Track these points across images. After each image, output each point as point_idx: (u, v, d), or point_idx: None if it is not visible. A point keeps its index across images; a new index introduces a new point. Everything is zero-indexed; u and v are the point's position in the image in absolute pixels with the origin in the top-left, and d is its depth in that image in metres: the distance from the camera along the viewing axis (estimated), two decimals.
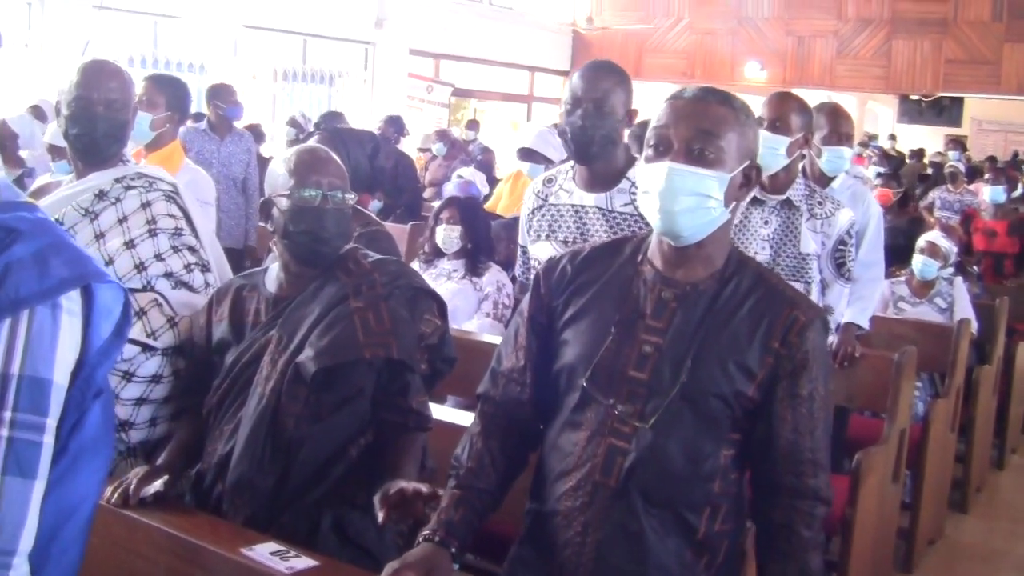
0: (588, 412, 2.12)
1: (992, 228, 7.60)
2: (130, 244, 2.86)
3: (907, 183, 10.38)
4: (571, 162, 3.23)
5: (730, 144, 2.03)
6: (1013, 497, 6.60)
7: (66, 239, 1.51)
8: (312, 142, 3.53)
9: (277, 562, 2.15)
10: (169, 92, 4.51)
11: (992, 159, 14.31)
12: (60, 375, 1.45)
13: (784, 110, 3.83)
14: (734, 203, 2.09)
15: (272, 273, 2.72)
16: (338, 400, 2.55)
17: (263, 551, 2.20)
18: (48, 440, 1.45)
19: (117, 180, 2.95)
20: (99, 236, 2.88)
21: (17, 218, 1.47)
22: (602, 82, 3.06)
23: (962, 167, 12.17)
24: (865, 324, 4.64)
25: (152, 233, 2.90)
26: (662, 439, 2.05)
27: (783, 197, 3.83)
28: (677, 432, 2.05)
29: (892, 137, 20.36)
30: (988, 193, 7.72)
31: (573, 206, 3.14)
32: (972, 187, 11.29)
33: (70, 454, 1.50)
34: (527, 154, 6.74)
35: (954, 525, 5.83)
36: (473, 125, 13.76)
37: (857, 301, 4.53)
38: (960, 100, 15.01)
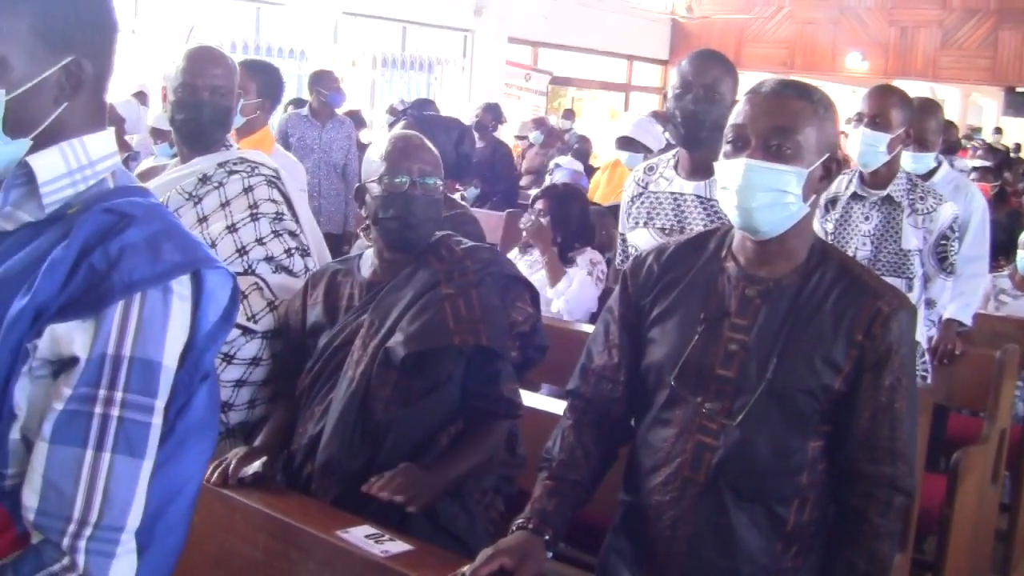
0: (676, 410, 2.14)
1: None
2: (232, 228, 2.91)
3: (1012, 177, 10.11)
4: (673, 151, 3.22)
5: (808, 139, 2.03)
6: None
7: (178, 225, 1.54)
8: (398, 129, 3.57)
9: (372, 545, 2.17)
10: (261, 78, 4.55)
11: None
12: (169, 358, 1.48)
13: (885, 105, 3.77)
14: (814, 196, 2.09)
15: (367, 258, 2.76)
16: (427, 386, 2.57)
17: (358, 534, 2.22)
18: (157, 421, 1.47)
19: (220, 165, 3.00)
20: (202, 220, 2.93)
21: (131, 203, 1.50)
22: (712, 69, 3.08)
23: None
24: (968, 321, 4.55)
25: (254, 217, 2.94)
26: (750, 435, 2.06)
27: (884, 193, 3.78)
28: (764, 428, 2.06)
29: (998, 131, 19.88)
30: None
31: (672, 194, 3.14)
32: None
33: (177, 436, 1.53)
34: (626, 143, 6.74)
35: None
36: (569, 115, 13.75)
37: (959, 296, 4.45)
38: None
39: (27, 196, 1.50)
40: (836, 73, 15.99)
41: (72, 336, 1.42)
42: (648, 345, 2.20)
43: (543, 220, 4.75)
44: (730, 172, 2.06)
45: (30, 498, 1.42)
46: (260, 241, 2.93)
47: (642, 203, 3.19)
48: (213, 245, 2.87)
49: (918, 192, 3.79)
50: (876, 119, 3.75)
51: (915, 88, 17.68)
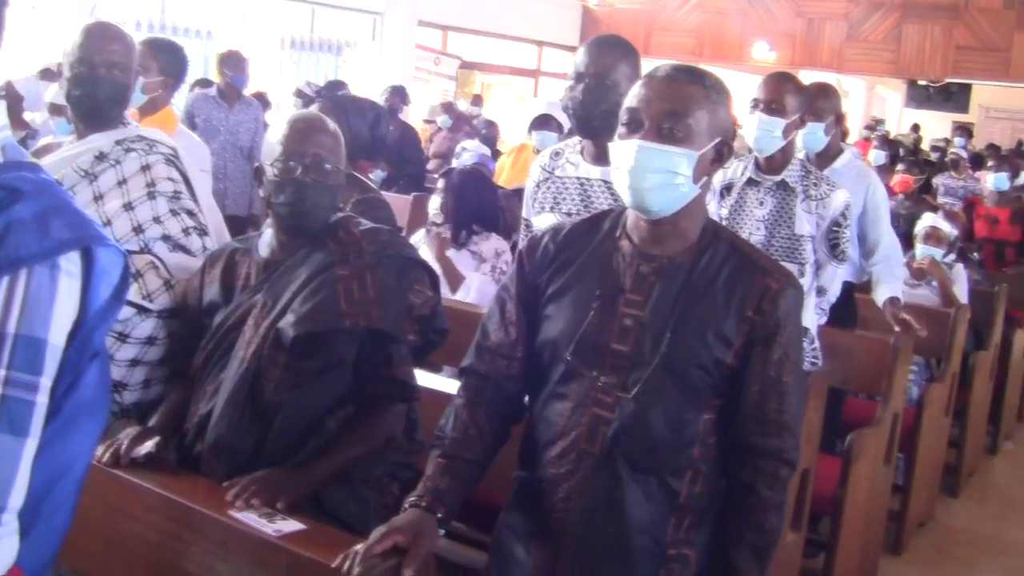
0: (572, 384, 2.18)
1: (995, 215, 7.60)
2: (128, 206, 2.88)
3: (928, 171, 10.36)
4: (578, 137, 3.23)
5: (700, 122, 2.09)
6: (1004, 483, 6.63)
7: (68, 201, 1.51)
8: (312, 110, 3.55)
9: (265, 524, 2.18)
10: (163, 56, 4.48)
11: (993, 147, 14.30)
12: (56, 336, 1.45)
13: (780, 91, 3.84)
14: (705, 178, 2.15)
15: (266, 238, 2.74)
16: (318, 368, 2.57)
17: (251, 513, 2.23)
18: (42, 400, 1.44)
19: (117, 142, 2.97)
20: (98, 198, 2.90)
21: (19, 178, 1.47)
22: (605, 56, 3.06)
23: (965, 154, 12.17)
24: (902, 298, 4.62)
25: (151, 196, 2.91)
26: (644, 408, 2.11)
27: (779, 178, 3.84)
28: (659, 401, 2.12)
29: (915, 128, 20.29)
30: (992, 180, 7.73)
31: (579, 179, 3.14)
32: (976, 175, 11.31)
33: (64, 415, 1.49)
34: (541, 123, 6.79)
35: (944, 509, 5.87)
36: (477, 100, 13.78)
37: (891, 279, 4.56)
38: (968, 87, 14.95)
39: None
40: (744, 63, 16.20)
41: None
42: (544, 322, 2.24)
43: (440, 230, 4.77)
44: (623, 153, 2.11)
45: None
46: (157, 220, 2.90)
47: (548, 188, 3.19)
48: (108, 223, 2.83)
49: (812, 178, 3.86)
50: (772, 105, 3.81)
51: (821, 79, 17.98)
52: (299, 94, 10.18)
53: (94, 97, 2.95)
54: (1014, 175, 7.87)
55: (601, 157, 3.13)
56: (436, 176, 7.78)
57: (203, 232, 3.00)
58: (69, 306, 1.46)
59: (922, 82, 18.18)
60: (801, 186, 3.83)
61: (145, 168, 2.95)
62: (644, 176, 2.08)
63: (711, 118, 2.11)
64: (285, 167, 2.59)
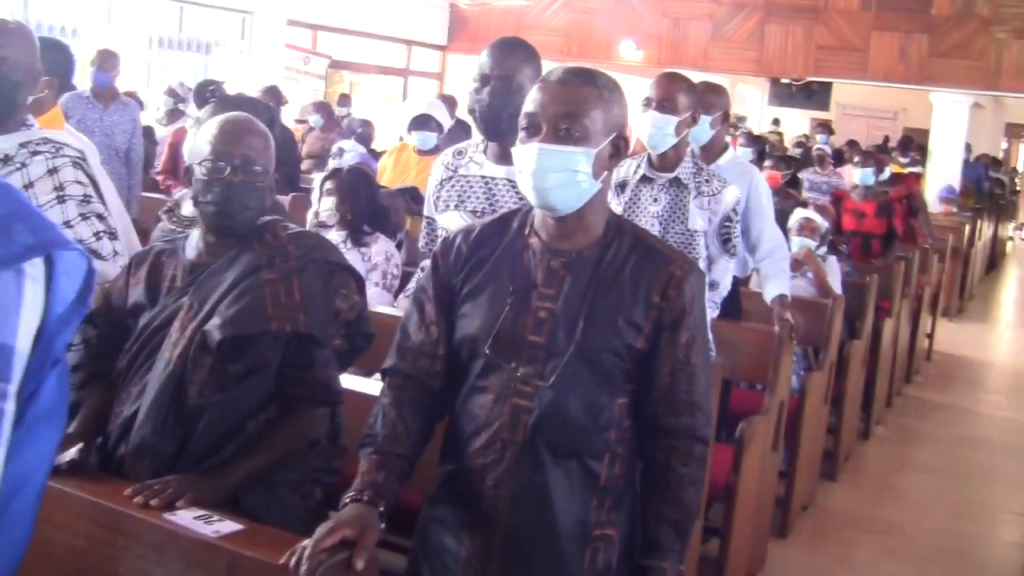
0: (492, 377, 2.28)
1: (861, 209, 7.88)
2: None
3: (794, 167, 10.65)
4: (480, 137, 3.28)
5: (595, 121, 2.21)
6: (877, 467, 6.92)
7: (28, 204, 1.46)
8: (207, 111, 3.53)
9: (202, 526, 2.17)
10: (49, 56, 4.37)
11: (852, 143, 14.79)
12: (23, 342, 1.41)
13: (672, 90, 3.97)
14: (605, 173, 2.27)
15: (192, 240, 2.74)
16: (243, 371, 2.58)
17: (186, 516, 2.22)
18: (10, 407, 1.41)
19: (22, 145, 2.91)
20: None
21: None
22: (508, 59, 3.13)
23: (829, 150, 12.57)
24: (788, 293, 4.76)
25: (60, 200, 2.87)
26: (562, 395, 2.22)
27: (672, 175, 3.96)
28: (575, 388, 2.22)
29: (776, 123, 20.85)
30: (858, 175, 8.00)
31: (483, 177, 3.19)
32: (838, 170, 11.70)
33: (25, 423, 1.45)
34: (421, 123, 6.82)
35: (824, 493, 6.10)
36: (345, 100, 13.71)
37: (779, 275, 4.68)
38: (828, 85, 15.40)
39: None
40: (611, 61, 16.39)
41: None
42: (460, 320, 2.33)
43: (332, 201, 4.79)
44: (525, 156, 2.23)
45: None
46: (68, 224, 2.86)
47: (452, 186, 3.23)
48: None
49: (704, 175, 3.99)
50: (664, 103, 3.93)
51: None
52: (171, 93, 10.02)
53: None
54: (879, 171, 8.16)
55: (505, 157, 3.19)
56: (312, 176, 7.76)
57: (113, 236, 2.96)
58: (34, 312, 1.43)
59: (784, 80, 18.68)
60: (694, 183, 3.95)
61: (52, 172, 2.90)
62: (547, 176, 2.19)
63: (605, 116, 2.23)
64: (214, 167, 2.60)
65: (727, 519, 4.33)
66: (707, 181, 3.96)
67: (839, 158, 13.34)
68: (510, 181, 3.15)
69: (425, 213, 3.40)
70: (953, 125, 14.88)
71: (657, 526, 2.26)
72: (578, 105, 2.20)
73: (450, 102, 8.81)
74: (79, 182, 2.93)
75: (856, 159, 8.10)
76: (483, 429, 2.27)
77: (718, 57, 15.38)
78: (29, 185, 2.87)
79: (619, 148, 2.28)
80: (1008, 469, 7.21)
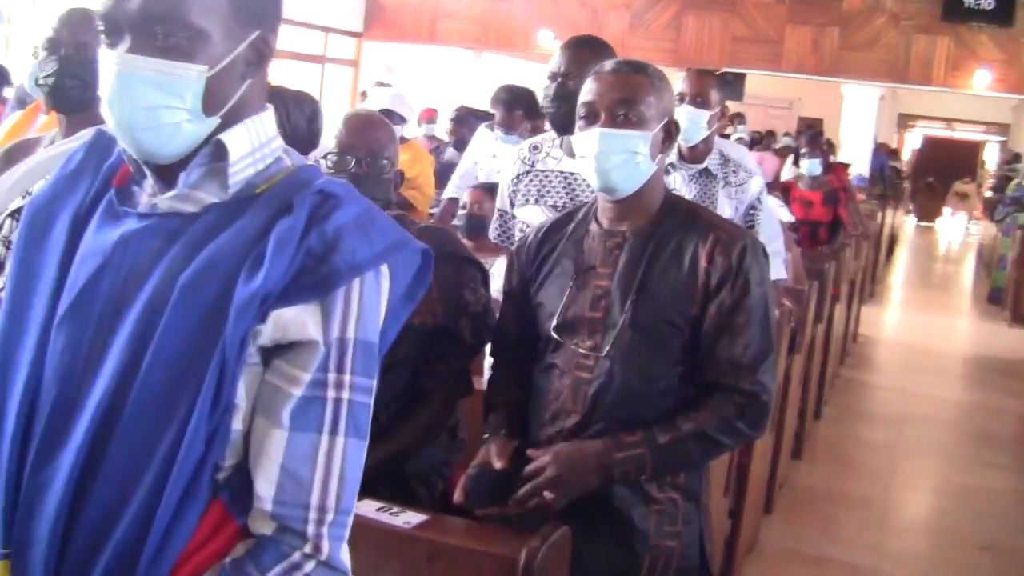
0: (559, 355, 2.46)
1: (809, 198, 8.15)
2: None
3: None
4: (552, 133, 3.38)
5: (649, 107, 2.39)
6: (834, 444, 7.20)
7: (372, 204, 1.51)
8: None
9: (389, 517, 2.20)
10: None
11: (771, 133, 15.20)
12: (379, 337, 1.48)
13: (704, 86, 4.14)
14: (660, 156, 2.44)
15: None
16: (385, 366, 2.62)
17: (368, 507, 2.20)
18: (371, 402, 1.47)
19: None
20: None
21: (331, 182, 1.48)
22: (579, 56, 3.21)
23: (748, 139, 12.91)
24: (785, 275, 4.95)
25: None
26: (618, 366, 2.37)
27: (702, 166, 4.14)
28: (631, 358, 2.36)
29: None
30: (806, 166, 8.27)
31: (562, 172, 3.29)
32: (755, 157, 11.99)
33: None
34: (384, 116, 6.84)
35: (794, 471, 6.35)
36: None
37: (773, 256, 4.85)
38: (743, 76, 15.74)
39: (208, 176, 1.46)
40: (529, 50, 16.55)
41: (304, 320, 1.39)
42: (537, 308, 2.53)
43: None
44: (586, 142, 2.39)
45: (265, 488, 1.39)
46: None
47: (531, 181, 3.32)
48: None
49: (731, 167, 4.17)
50: (697, 98, 4.11)
51: None
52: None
53: (59, 79, 2.80)
54: (825, 161, 8.43)
55: None
56: None
57: None
58: (383, 308, 1.49)
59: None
60: (721, 173, 4.13)
61: None
62: (609, 158, 2.36)
63: (658, 102, 2.41)
64: (340, 160, 2.65)
65: (739, 498, 4.52)
66: (734, 172, 4.15)
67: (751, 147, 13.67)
68: None
69: (498, 206, 3.48)
70: (862, 116, 15.39)
71: (681, 421, 2.32)
72: (633, 92, 2.38)
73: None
74: None
75: (803, 150, 8.36)
76: (550, 404, 2.45)
77: (635, 48, 15.59)
78: None
79: (670, 132, 2.46)
80: (950, 444, 7.59)
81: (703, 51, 15.16)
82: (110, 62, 1.41)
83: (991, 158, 27.26)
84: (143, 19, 1.38)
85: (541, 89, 3.31)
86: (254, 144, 1.49)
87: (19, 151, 3.00)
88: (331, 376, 1.41)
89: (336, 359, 1.41)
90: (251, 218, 1.43)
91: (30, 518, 1.42)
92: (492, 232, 3.57)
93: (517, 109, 6.60)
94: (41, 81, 2.83)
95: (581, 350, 2.40)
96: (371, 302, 1.44)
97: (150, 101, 1.40)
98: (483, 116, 8.74)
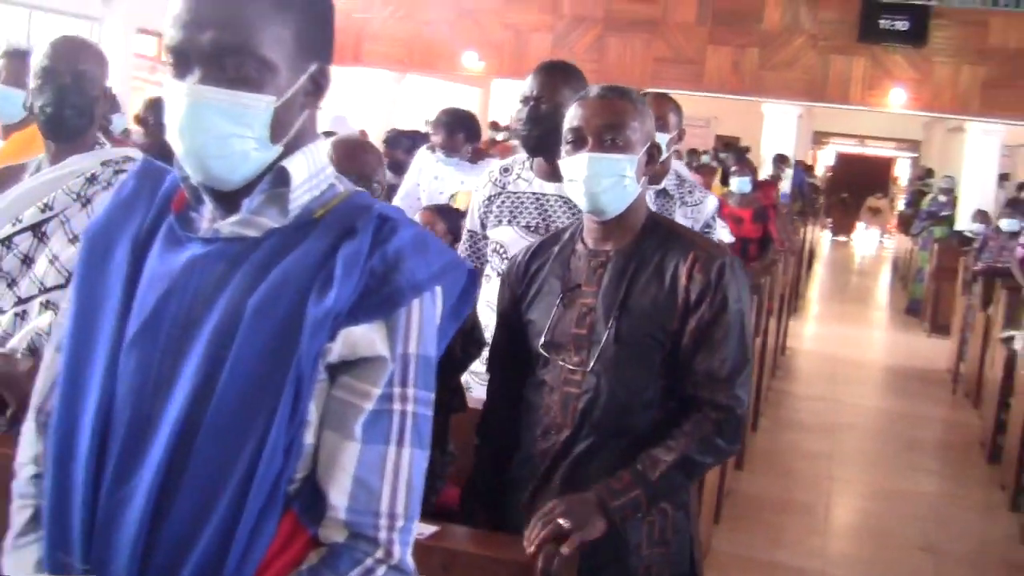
0: (548, 371, 2.56)
1: (739, 215, 8.38)
2: None
3: None
4: (525, 154, 3.49)
5: (634, 131, 2.48)
6: (773, 454, 7.39)
7: (424, 228, 1.59)
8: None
9: None
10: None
11: (693, 151, 15.48)
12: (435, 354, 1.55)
13: (664, 110, 4.27)
14: (644, 178, 2.55)
15: None
16: None
17: None
18: (431, 413, 1.53)
19: (104, 163, 2.95)
20: None
21: (386, 206, 1.55)
22: (551, 81, 3.34)
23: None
24: None
25: None
26: (604, 380, 2.47)
27: (660, 186, 4.27)
28: (616, 372, 2.47)
29: None
30: (735, 184, 8.51)
31: (534, 194, 3.40)
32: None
33: None
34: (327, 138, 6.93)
35: (736, 480, 6.51)
36: None
37: None
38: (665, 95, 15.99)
39: (269, 202, 1.52)
40: (454, 72, 16.71)
41: (372, 338, 1.46)
42: (527, 326, 2.63)
43: None
44: (575, 166, 2.49)
45: (339, 498, 1.46)
46: None
47: (503, 202, 3.42)
48: None
49: (686, 187, 4.33)
50: (657, 121, 4.23)
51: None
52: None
53: (58, 108, 2.85)
54: (754, 179, 8.68)
55: (553, 174, 3.41)
56: None
57: None
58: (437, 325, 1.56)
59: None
60: (678, 193, 4.27)
61: None
62: (598, 182, 2.46)
63: (641, 127, 2.51)
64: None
65: (697, 506, 4.64)
66: (689, 192, 4.30)
67: None
68: (561, 197, 3.37)
69: (468, 227, 3.57)
70: (782, 134, 15.76)
71: (664, 452, 2.38)
72: (619, 117, 2.48)
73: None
74: None
75: (733, 168, 8.59)
76: (541, 419, 2.55)
77: None
78: None
79: (652, 155, 2.56)
80: (880, 451, 7.86)
81: (626, 72, 15.39)
82: (180, 93, 1.46)
83: (903, 174, 27.95)
84: (215, 52, 1.44)
85: (514, 112, 3.42)
86: (311, 171, 1.55)
87: (4, 177, 3.04)
88: (396, 390, 1.48)
89: (400, 374, 1.48)
90: (315, 241, 1.50)
91: (110, 534, 1.48)
92: (462, 252, 3.66)
93: (459, 132, 6.70)
94: (38, 109, 2.87)
95: (568, 366, 2.50)
96: (429, 319, 1.51)
97: (221, 130, 1.46)
98: (414, 137, 8.85)
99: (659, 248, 2.50)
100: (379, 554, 1.48)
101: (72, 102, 2.85)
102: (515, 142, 14.24)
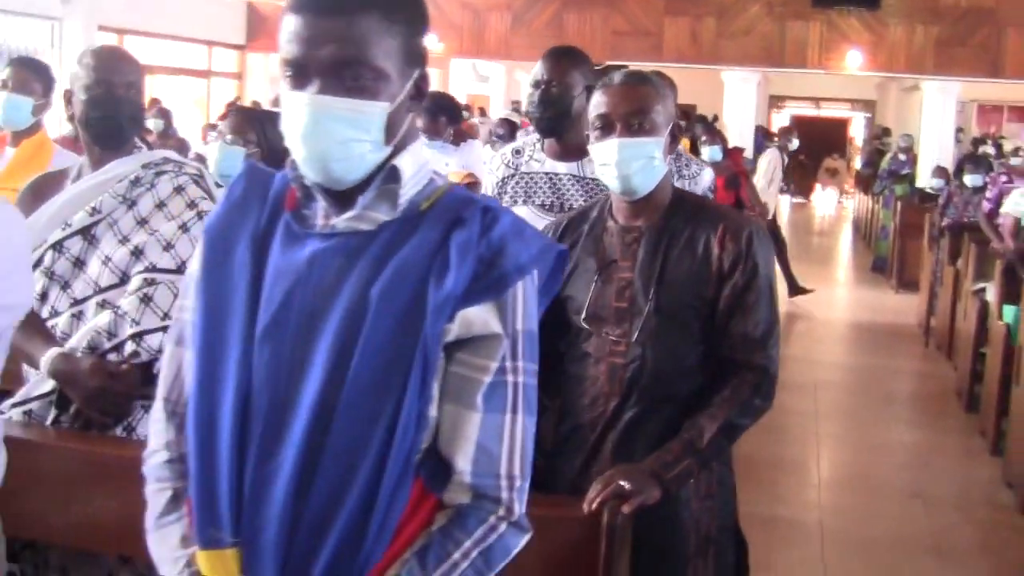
0: (591, 344, 2.68)
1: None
2: (184, 228, 2.98)
3: None
4: (536, 135, 3.65)
5: (658, 114, 2.62)
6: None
7: (517, 215, 1.74)
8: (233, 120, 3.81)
9: None
10: (44, 76, 4.46)
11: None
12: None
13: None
14: (670, 157, 2.70)
15: None
16: None
17: None
18: (536, 383, 1.70)
19: (144, 166, 3.02)
20: (141, 222, 2.93)
21: (488, 198, 1.72)
22: (559, 65, 3.51)
23: None
24: None
25: (200, 216, 3.05)
26: (648, 349, 2.61)
27: None
28: (658, 341, 2.61)
29: None
30: (707, 152, 8.71)
31: (547, 174, 3.55)
32: None
33: None
34: None
35: None
36: (154, 103, 13.50)
37: None
38: (624, 67, 16.14)
39: (379, 198, 1.66)
40: None
41: (486, 318, 1.62)
42: (565, 302, 2.73)
43: None
44: (606, 151, 2.61)
45: (463, 463, 1.62)
46: None
47: (517, 183, 3.58)
48: (171, 246, 2.92)
49: (683, 160, 4.50)
50: None
51: (489, 68, 18.84)
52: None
53: (115, 119, 2.98)
54: (724, 146, 8.88)
55: (566, 153, 3.58)
56: None
57: None
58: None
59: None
60: (675, 167, 4.44)
61: (179, 189, 3.04)
62: (629, 164, 2.59)
63: (664, 109, 2.65)
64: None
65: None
66: (687, 165, 4.48)
67: None
68: (573, 176, 3.54)
69: None
70: (743, 101, 16.00)
71: (708, 420, 2.51)
72: (644, 102, 2.61)
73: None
74: (205, 198, 3.11)
75: (703, 137, 8.79)
76: (588, 389, 2.68)
77: (519, 46, 15.95)
78: (161, 204, 3.00)
79: (675, 135, 2.72)
80: (861, 405, 8.13)
81: (585, 46, 14.94)
82: (301, 103, 1.61)
83: (858, 134, 28.30)
84: (334, 65, 1.59)
85: (526, 96, 3.58)
86: (416, 167, 1.70)
87: (46, 185, 3.15)
88: (508, 363, 1.64)
89: (511, 348, 1.65)
90: (427, 232, 1.64)
91: (258, 509, 1.63)
92: None
93: (440, 115, 6.84)
94: (90, 119, 2.98)
95: (612, 337, 2.64)
96: (531, 296, 1.68)
97: (343, 136, 1.61)
98: None
99: (688, 222, 2.65)
100: (501, 511, 1.65)
101: (127, 112, 2.98)
102: (475, 120, 14.38)
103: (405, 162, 1.69)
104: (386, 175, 1.67)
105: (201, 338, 1.72)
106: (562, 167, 3.55)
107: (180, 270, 2.89)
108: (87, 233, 2.98)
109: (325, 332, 1.63)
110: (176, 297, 2.89)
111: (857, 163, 24.49)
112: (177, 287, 2.91)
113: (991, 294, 7.40)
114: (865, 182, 18.28)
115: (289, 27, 1.63)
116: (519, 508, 1.67)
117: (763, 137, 18.66)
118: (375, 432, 1.60)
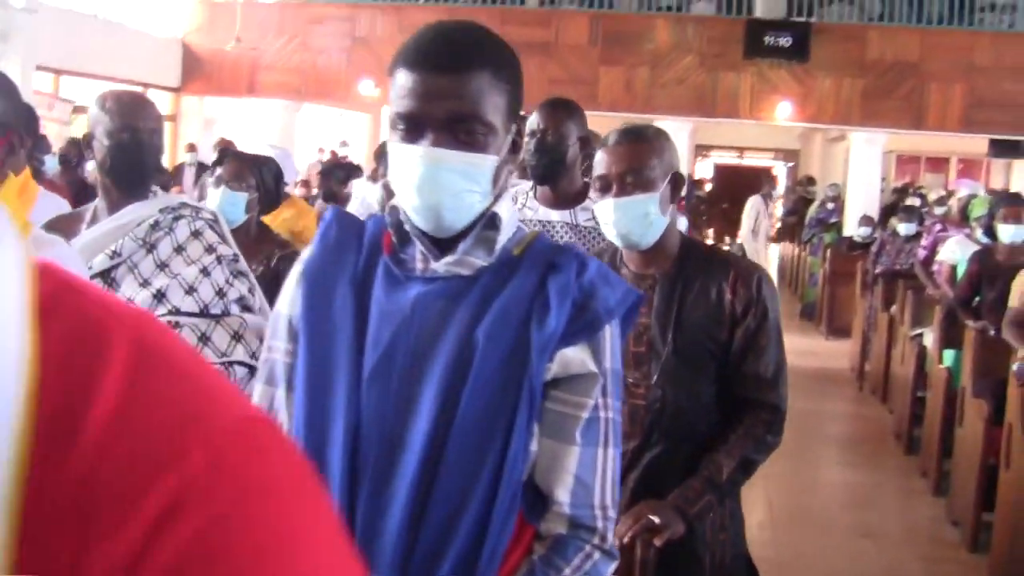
0: None
1: None
2: (205, 272, 3.04)
3: None
4: (528, 184, 3.80)
5: (652, 170, 2.70)
6: None
7: (601, 261, 1.87)
8: (231, 166, 3.92)
9: None
10: (27, 115, 4.50)
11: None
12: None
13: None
14: (671, 207, 2.77)
15: None
16: None
17: None
18: (621, 419, 1.81)
19: (162, 210, 3.08)
20: (161, 266, 2.99)
21: (576, 245, 1.86)
22: (554, 116, 3.68)
23: None
24: None
25: (219, 260, 3.11)
26: (668, 390, 2.74)
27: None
28: (677, 382, 2.74)
29: None
30: None
31: (540, 222, 3.67)
32: None
33: None
34: None
35: None
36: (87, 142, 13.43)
37: None
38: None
39: (477, 243, 1.74)
40: (350, 100, 16.89)
41: (582, 358, 1.71)
42: None
43: None
44: (604, 210, 2.73)
45: (562, 495, 1.71)
46: (228, 283, 3.05)
47: None
48: (193, 289, 2.99)
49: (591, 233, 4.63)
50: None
51: None
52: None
53: (141, 165, 3.05)
54: None
55: (558, 202, 3.73)
56: None
57: (254, 290, 3.25)
58: None
59: (523, 113, 19.59)
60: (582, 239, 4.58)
61: (197, 234, 3.10)
62: (627, 224, 2.72)
63: (660, 163, 2.73)
64: None
65: None
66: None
67: None
68: (567, 224, 3.69)
69: None
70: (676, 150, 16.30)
71: (726, 458, 2.65)
72: (637, 160, 2.71)
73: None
74: (223, 243, 3.19)
75: None
76: None
77: None
78: (180, 248, 3.07)
79: (677, 184, 2.81)
80: (806, 447, 8.30)
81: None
82: (416, 155, 1.68)
83: (780, 183, 28.85)
84: (449, 120, 1.67)
85: (523, 146, 3.72)
86: (509, 215, 1.80)
87: (61, 227, 3.21)
88: (601, 400, 1.73)
89: (603, 386, 1.76)
90: (524, 276, 1.73)
91: (372, 540, 1.72)
92: None
93: None
94: (114, 163, 3.04)
95: (631, 380, 2.75)
96: (616, 337, 1.80)
97: (457, 187, 1.70)
98: (348, 168, 9.11)
99: (700, 269, 2.78)
100: (596, 540, 1.75)
101: (151, 158, 3.08)
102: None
103: (503, 210, 1.79)
104: (486, 222, 1.77)
105: (307, 376, 1.80)
106: (555, 215, 3.69)
107: (203, 313, 2.98)
108: (107, 276, 3.03)
109: (432, 372, 1.73)
110: (201, 340, 2.98)
111: (779, 210, 24.99)
112: (200, 329, 3.00)
113: (929, 339, 7.67)
114: (789, 230, 18.68)
115: (403, 82, 1.70)
116: (611, 537, 1.78)
117: (693, 186, 19.07)
118: (484, 466, 1.70)
